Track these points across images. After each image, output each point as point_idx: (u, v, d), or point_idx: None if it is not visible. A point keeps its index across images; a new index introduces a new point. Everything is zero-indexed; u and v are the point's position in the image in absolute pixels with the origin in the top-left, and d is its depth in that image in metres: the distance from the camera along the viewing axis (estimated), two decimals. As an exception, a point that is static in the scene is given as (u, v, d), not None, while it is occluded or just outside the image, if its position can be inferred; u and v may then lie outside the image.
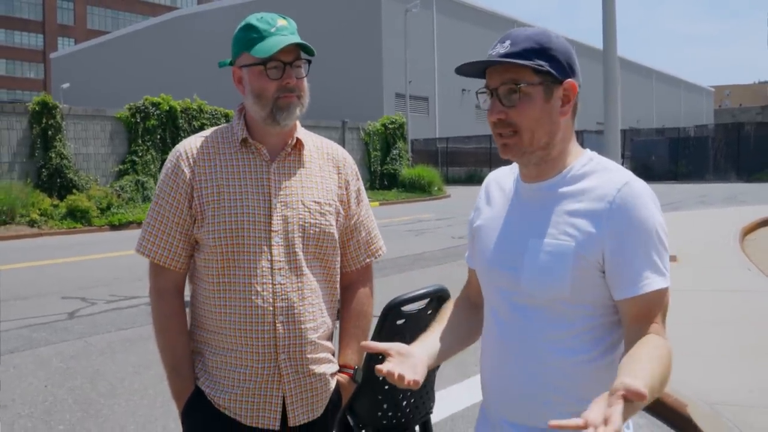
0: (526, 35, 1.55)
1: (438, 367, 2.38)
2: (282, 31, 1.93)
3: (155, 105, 21.67)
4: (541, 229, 1.57)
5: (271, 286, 1.94)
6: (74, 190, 18.64)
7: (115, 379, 5.33)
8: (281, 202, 1.97)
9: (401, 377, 1.52)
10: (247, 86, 1.96)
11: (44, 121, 18.92)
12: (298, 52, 1.95)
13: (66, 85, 51.49)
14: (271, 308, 1.93)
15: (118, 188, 19.56)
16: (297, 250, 1.96)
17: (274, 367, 1.95)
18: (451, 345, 1.78)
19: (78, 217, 17.64)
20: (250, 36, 1.93)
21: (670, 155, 38.44)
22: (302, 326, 1.96)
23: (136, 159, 20.96)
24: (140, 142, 21.19)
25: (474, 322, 1.82)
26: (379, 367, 1.53)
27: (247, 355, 1.95)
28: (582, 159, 1.62)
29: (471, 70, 1.62)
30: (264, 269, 1.93)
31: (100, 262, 11.71)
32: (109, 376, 5.41)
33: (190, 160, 1.99)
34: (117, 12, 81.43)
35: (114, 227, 17.75)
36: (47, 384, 5.23)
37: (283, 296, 1.94)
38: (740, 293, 7.62)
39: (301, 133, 2.05)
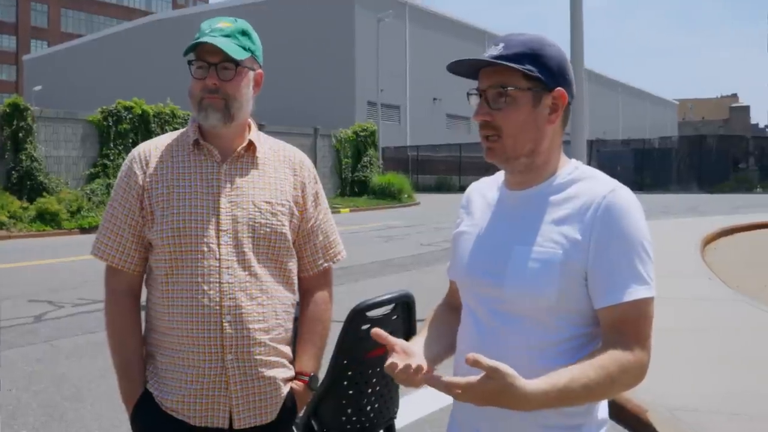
0: (520, 40, 1.54)
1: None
2: (215, 32, 1.90)
3: (128, 109, 21.50)
4: (527, 237, 1.53)
5: (218, 285, 1.90)
6: (44, 193, 18.37)
7: (81, 382, 5.30)
8: (231, 201, 1.94)
9: (419, 368, 1.47)
10: None
11: (15, 123, 18.66)
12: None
13: (38, 88, 50.83)
14: (217, 307, 1.89)
15: (88, 191, 19.31)
16: (246, 249, 1.93)
17: (221, 367, 1.91)
18: (440, 353, 1.70)
19: (48, 220, 17.39)
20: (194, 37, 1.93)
21: (635, 166, 38.94)
22: (250, 326, 1.92)
23: (108, 162, 20.74)
24: (112, 145, 20.99)
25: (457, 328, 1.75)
26: (388, 365, 1.48)
27: (194, 355, 1.91)
28: (568, 167, 1.60)
29: (464, 69, 1.60)
30: (212, 268, 1.90)
31: (69, 266, 11.57)
32: (75, 379, 5.38)
33: (143, 163, 1.99)
34: (91, 15, 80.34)
35: (84, 230, 17.49)
36: (12, 388, 5.18)
37: (231, 295, 1.90)
38: (701, 301, 7.77)
39: (255, 135, 2.03)
